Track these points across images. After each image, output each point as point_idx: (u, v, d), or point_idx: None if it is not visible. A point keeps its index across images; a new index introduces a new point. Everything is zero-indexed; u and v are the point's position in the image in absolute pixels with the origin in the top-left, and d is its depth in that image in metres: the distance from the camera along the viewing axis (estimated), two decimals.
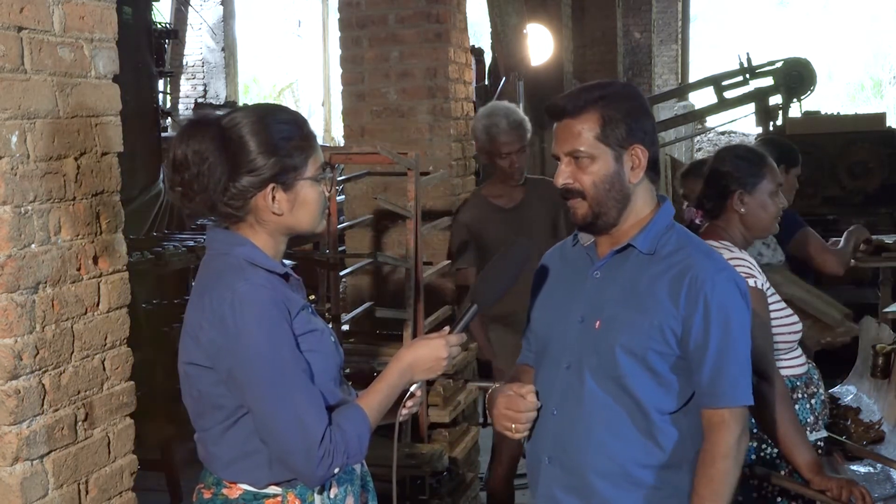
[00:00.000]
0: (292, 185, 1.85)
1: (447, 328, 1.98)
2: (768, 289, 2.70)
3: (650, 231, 1.99)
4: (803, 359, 2.87)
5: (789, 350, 2.81)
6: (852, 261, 4.23)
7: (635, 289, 1.97)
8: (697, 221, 2.85)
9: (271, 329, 1.77)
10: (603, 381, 1.97)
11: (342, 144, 7.03)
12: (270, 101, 16.73)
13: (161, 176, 7.23)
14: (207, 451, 1.90)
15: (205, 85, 12.67)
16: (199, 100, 11.79)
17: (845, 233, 4.16)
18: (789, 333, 2.79)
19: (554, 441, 2.05)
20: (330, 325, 2.05)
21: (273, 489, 1.86)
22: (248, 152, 1.82)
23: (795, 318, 2.81)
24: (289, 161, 1.84)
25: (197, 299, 1.85)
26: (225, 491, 1.87)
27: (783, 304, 2.78)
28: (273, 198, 1.84)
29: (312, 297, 3.74)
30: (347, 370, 3.48)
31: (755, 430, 2.61)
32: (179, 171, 1.81)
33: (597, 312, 2.00)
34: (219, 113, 1.91)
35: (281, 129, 1.85)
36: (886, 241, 5.07)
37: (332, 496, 1.90)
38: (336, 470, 1.80)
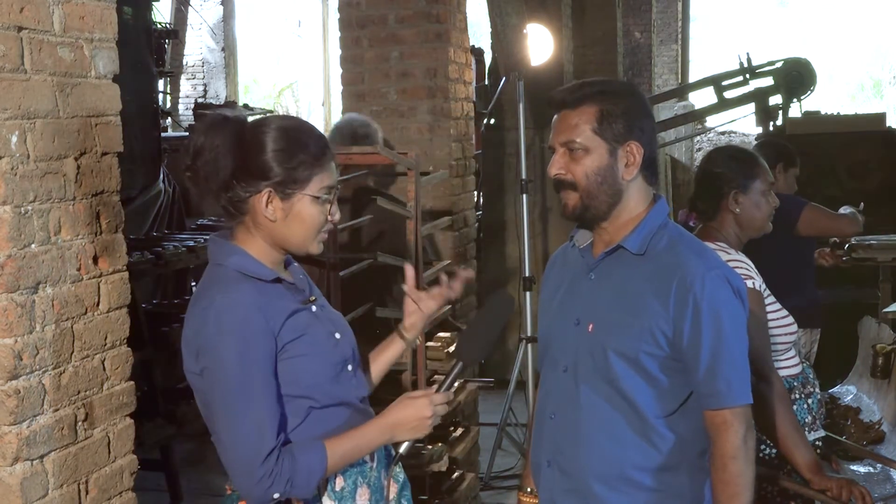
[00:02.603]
0: (290, 196, 1.89)
1: (434, 387, 1.98)
2: (765, 289, 2.70)
3: (641, 231, 1.97)
4: (798, 359, 2.88)
5: (785, 351, 2.81)
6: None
7: (626, 290, 1.95)
8: (692, 223, 2.85)
9: (241, 343, 1.80)
10: (598, 384, 1.96)
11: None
12: (270, 100, 16.73)
13: (161, 176, 7.21)
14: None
15: (205, 85, 12.67)
16: (199, 100, 11.77)
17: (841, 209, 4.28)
18: (785, 335, 2.79)
19: (553, 445, 2.05)
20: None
21: None
22: (256, 156, 1.87)
23: (791, 319, 2.81)
24: (292, 174, 1.88)
25: (189, 309, 1.91)
26: None
27: (779, 306, 2.78)
28: (268, 203, 1.88)
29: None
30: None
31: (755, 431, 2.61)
32: (193, 158, 1.88)
33: (590, 315, 1.99)
34: (250, 117, 1.96)
35: (298, 142, 1.89)
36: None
37: (337, 489, 1.92)
38: (276, 496, 1.80)
